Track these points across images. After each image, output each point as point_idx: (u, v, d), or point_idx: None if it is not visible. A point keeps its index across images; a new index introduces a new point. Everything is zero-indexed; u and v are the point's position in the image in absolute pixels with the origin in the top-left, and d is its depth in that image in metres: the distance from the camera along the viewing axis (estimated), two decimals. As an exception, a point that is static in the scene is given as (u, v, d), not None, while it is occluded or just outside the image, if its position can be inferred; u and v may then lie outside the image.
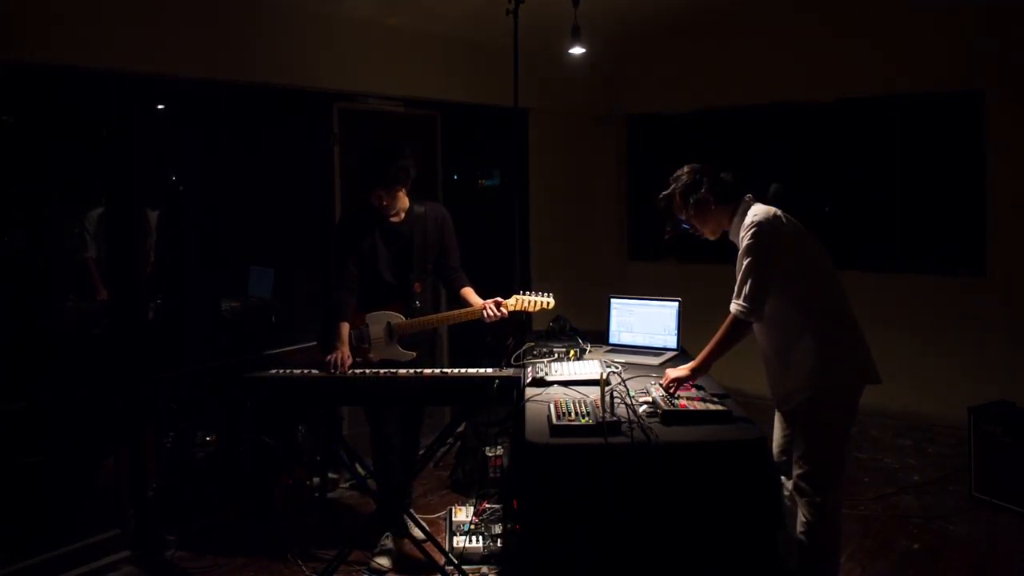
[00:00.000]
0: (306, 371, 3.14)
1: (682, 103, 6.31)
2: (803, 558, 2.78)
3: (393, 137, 4.94)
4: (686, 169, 2.92)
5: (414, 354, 3.39)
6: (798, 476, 2.75)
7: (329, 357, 3.19)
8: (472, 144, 5.71)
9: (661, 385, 2.81)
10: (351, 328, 3.33)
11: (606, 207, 6.70)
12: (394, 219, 3.41)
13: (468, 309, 3.39)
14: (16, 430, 3.36)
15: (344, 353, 3.22)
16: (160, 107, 4.41)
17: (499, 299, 3.34)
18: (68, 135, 3.97)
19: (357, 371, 3.18)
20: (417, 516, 3.36)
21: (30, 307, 3.98)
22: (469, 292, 3.46)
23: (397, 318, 3.37)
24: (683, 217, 2.93)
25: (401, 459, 3.48)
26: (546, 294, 3.37)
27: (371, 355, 3.36)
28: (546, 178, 5.91)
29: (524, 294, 3.36)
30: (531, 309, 3.36)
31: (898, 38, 5.25)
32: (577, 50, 4.19)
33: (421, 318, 3.37)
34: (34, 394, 3.45)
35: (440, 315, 3.43)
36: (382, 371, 3.13)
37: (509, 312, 3.34)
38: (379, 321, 3.38)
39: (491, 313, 3.32)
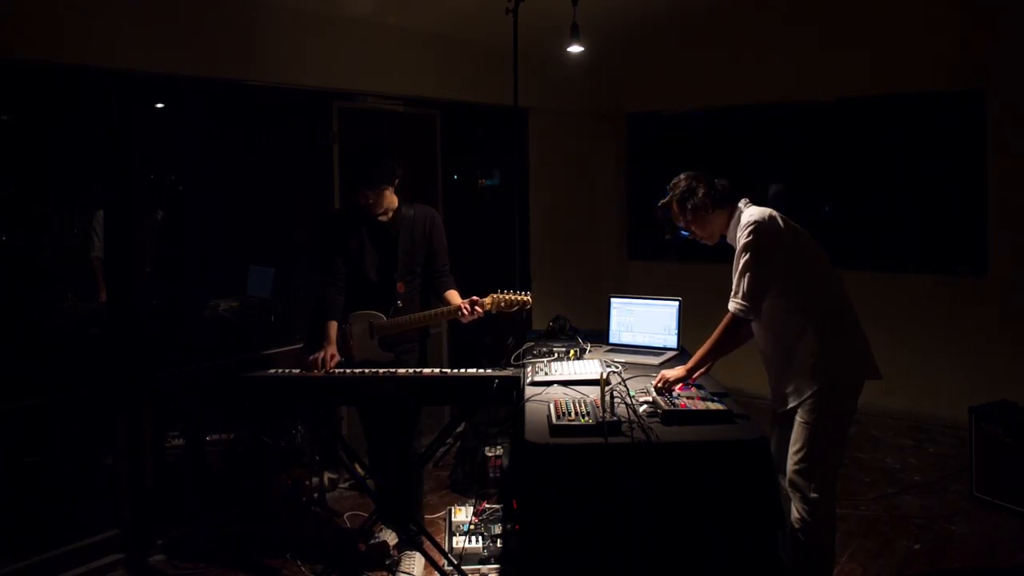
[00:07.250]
0: (305, 371, 3.14)
1: (682, 103, 6.30)
2: (799, 555, 2.77)
3: (393, 136, 4.93)
4: (682, 177, 2.95)
5: (392, 355, 3.39)
6: (794, 472, 2.75)
7: (313, 356, 3.20)
8: (472, 144, 5.70)
9: (654, 387, 2.79)
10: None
11: (606, 206, 6.70)
12: (382, 218, 3.41)
13: (445, 308, 3.38)
14: (16, 430, 3.36)
15: (328, 352, 3.22)
16: (160, 107, 4.40)
17: (475, 298, 3.32)
18: (68, 135, 3.97)
19: (357, 371, 3.17)
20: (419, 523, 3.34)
21: (30, 306, 3.98)
22: (453, 294, 3.44)
23: (378, 318, 3.38)
24: (682, 224, 2.96)
25: (397, 464, 3.45)
26: (524, 292, 3.34)
27: (353, 354, 3.37)
28: (546, 178, 5.90)
29: (501, 292, 3.32)
30: (509, 309, 3.31)
31: (898, 38, 5.25)
32: (576, 49, 4.19)
33: (400, 318, 3.37)
34: (33, 394, 3.44)
35: (419, 315, 3.41)
36: (381, 371, 3.12)
37: (486, 311, 3.30)
38: (361, 321, 3.39)
39: (466, 312, 3.30)
